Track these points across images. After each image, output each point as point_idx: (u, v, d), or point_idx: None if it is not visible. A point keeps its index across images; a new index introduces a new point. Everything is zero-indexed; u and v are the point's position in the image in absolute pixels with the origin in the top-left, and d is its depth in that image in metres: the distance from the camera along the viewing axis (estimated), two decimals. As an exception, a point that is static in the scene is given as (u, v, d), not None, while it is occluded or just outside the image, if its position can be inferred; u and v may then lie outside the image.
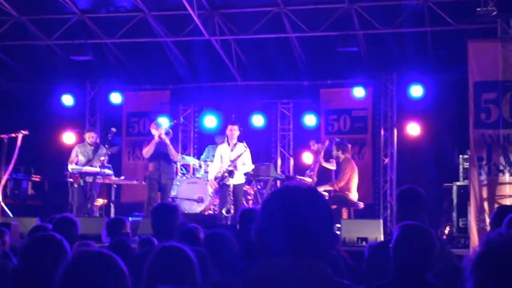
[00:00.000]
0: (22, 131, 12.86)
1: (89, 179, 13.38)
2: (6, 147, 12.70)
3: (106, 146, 13.55)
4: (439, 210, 13.14)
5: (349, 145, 13.31)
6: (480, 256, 2.17)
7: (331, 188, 12.58)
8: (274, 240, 2.52)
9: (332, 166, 13.42)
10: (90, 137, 13.73)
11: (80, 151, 13.66)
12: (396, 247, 4.26)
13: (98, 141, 14.05)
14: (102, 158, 13.61)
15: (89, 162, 13.48)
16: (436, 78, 15.32)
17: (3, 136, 12.79)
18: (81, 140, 14.30)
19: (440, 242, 5.56)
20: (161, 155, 13.03)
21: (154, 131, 13.14)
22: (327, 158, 13.55)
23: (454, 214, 11.87)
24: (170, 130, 13.24)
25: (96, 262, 2.59)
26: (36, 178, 14.85)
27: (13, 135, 12.84)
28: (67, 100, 16.84)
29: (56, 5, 14.81)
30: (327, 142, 13.59)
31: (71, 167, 13.25)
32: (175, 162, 13.86)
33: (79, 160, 13.53)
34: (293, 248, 2.51)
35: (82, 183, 13.53)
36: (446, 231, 12.38)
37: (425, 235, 4.25)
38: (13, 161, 12.68)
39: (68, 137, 16.08)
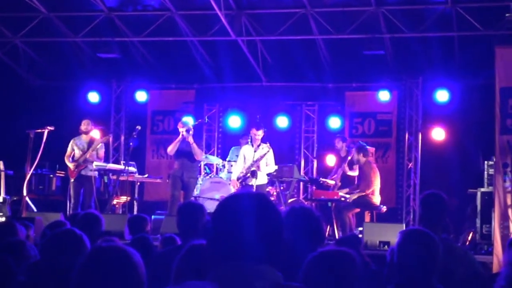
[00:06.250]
0: (48, 127, 12.98)
1: (113, 176, 13.46)
2: (32, 142, 12.80)
3: (131, 144, 13.58)
4: (462, 216, 13.04)
5: (373, 149, 13.16)
6: None
7: (363, 194, 12.45)
8: (224, 246, 2.58)
9: (355, 173, 13.39)
10: (83, 124, 13.64)
11: (75, 144, 13.58)
12: (399, 252, 4.15)
13: (97, 135, 13.99)
14: (100, 152, 13.60)
15: (84, 155, 13.39)
16: (462, 83, 15.22)
17: (29, 131, 12.90)
18: (104, 136, 14.30)
19: (462, 248, 5.53)
20: (184, 154, 12.93)
21: (180, 129, 13.11)
22: (351, 166, 13.50)
23: (478, 221, 11.78)
24: (191, 128, 13.11)
25: (112, 256, 2.61)
26: (60, 173, 14.93)
27: (39, 130, 12.95)
28: (93, 97, 16.90)
29: (84, 3, 14.92)
30: (354, 151, 13.14)
31: (96, 163, 13.29)
32: (199, 161, 13.85)
33: (75, 154, 13.46)
34: (243, 253, 2.55)
35: (106, 180, 13.59)
36: (469, 238, 12.30)
37: (427, 240, 4.13)
38: (38, 157, 12.78)
39: (93, 134, 16.13)
